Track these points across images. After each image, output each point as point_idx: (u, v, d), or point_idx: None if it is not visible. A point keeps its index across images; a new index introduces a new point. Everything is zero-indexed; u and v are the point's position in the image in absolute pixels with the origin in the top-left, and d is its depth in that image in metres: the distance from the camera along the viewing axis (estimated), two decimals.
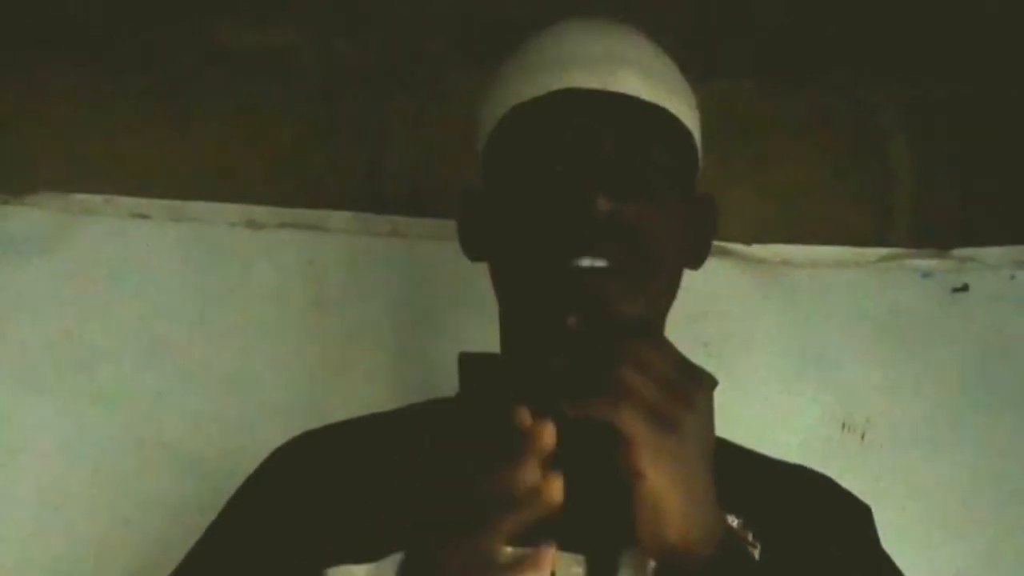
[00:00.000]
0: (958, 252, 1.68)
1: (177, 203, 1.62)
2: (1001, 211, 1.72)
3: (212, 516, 1.23)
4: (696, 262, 1.25)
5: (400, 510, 1.09)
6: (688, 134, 1.21)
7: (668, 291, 1.19)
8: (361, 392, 1.57)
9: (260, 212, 1.62)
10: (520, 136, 1.18)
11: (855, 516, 1.23)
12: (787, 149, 1.72)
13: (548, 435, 0.98)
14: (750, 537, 1.09)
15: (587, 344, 1.07)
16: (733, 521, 1.08)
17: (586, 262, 1.11)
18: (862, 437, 1.62)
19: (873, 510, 1.24)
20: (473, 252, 1.25)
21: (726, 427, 1.19)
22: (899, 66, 1.74)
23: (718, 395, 1.15)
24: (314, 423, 1.26)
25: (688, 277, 1.25)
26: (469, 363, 1.20)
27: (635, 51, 1.20)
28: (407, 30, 1.70)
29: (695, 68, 1.65)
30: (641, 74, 1.18)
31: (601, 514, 1.05)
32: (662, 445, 0.98)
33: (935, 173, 1.73)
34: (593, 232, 1.11)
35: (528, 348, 1.15)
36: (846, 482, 1.26)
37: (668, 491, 0.98)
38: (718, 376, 1.35)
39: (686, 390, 1.00)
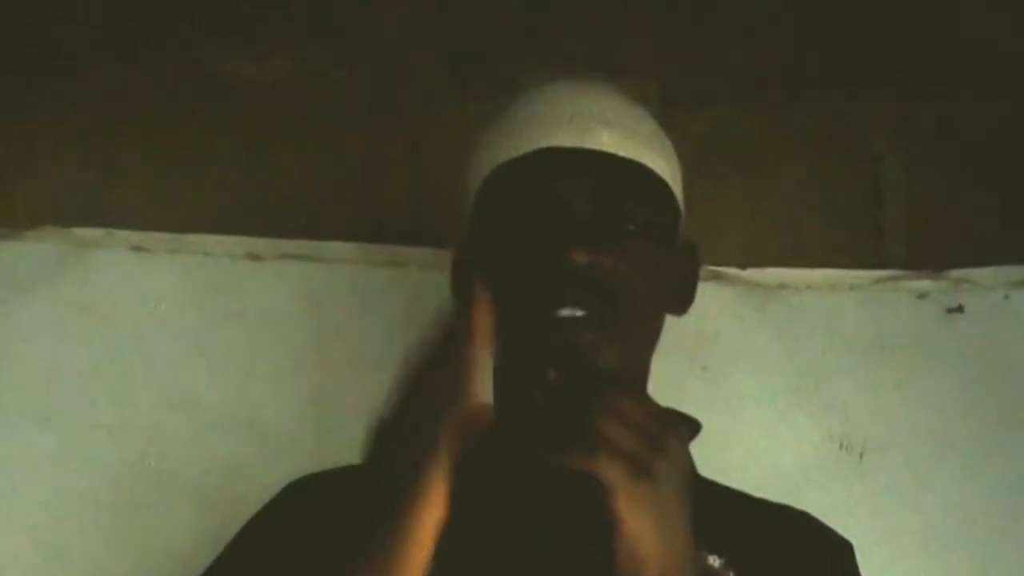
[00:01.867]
0: (953, 273, 1.69)
1: (177, 236, 1.63)
2: (995, 231, 1.72)
3: (211, 546, 1.24)
4: (679, 309, 1.29)
5: None
6: (665, 186, 1.25)
7: (647, 339, 1.24)
8: (361, 421, 1.54)
9: (260, 244, 1.63)
10: (504, 194, 1.23)
11: (835, 553, 1.25)
12: (780, 173, 1.73)
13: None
14: None
15: (566, 395, 1.10)
16: (715, 561, 1.13)
17: (564, 312, 1.15)
18: (860, 457, 1.62)
19: (868, 529, 1.29)
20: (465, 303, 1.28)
21: (724, 449, 1.20)
22: (889, 88, 1.75)
23: (716, 416, 1.18)
24: (314, 453, 1.27)
25: None
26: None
27: (612, 110, 1.25)
28: (402, 62, 1.71)
29: (687, 94, 1.67)
30: (617, 131, 1.23)
31: (582, 557, 1.09)
32: (639, 492, 1.01)
33: (928, 194, 1.74)
34: (570, 283, 1.16)
35: (510, 397, 1.17)
36: (843, 502, 1.27)
37: (645, 535, 1.02)
38: (716, 399, 1.36)
39: (661, 438, 1.03)
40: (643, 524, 1.02)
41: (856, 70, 1.75)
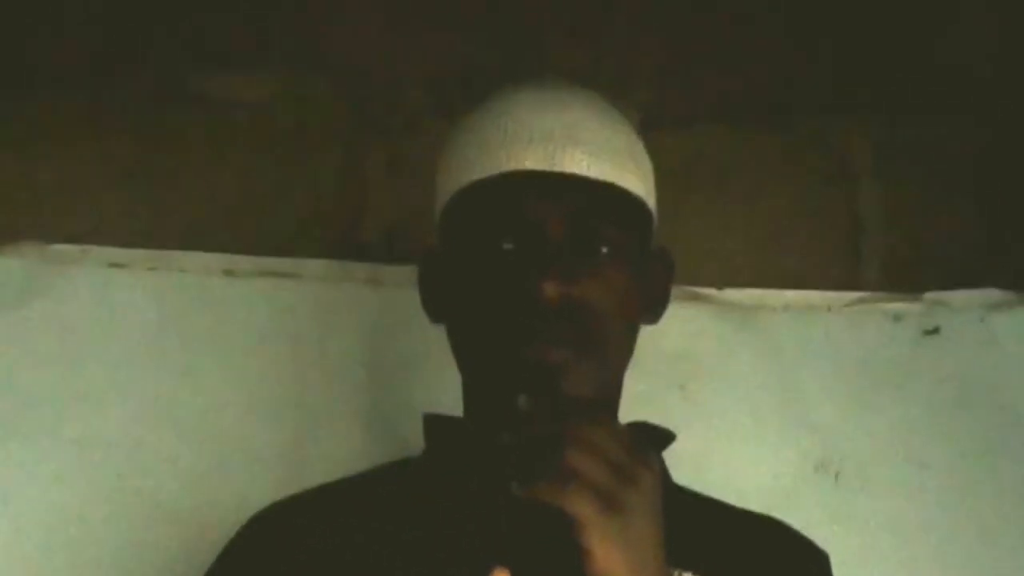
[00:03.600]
0: (929, 296, 1.69)
1: (154, 252, 1.62)
2: (972, 254, 1.73)
3: (187, 562, 1.23)
4: (653, 318, 1.27)
5: (369, 573, 1.13)
6: (639, 202, 1.23)
7: (621, 356, 1.22)
8: (338, 439, 1.57)
9: (237, 261, 1.62)
10: (473, 212, 1.20)
11: (812, 563, 1.26)
12: (758, 194, 1.73)
13: None
14: None
15: (537, 423, 1.09)
16: None
17: (534, 354, 1.14)
18: (836, 477, 1.62)
19: (845, 550, 1.27)
20: (432, 314, 1.28)
21: (701, 468, 1.20)
22: (868, 111, 1.75)
23: (694, 436, 1.17)
24: (291, 470, 1.27)
25: (664, 321, 1.28)
26: (433, 426, 1.25)
27: (585, 125, 1.21)
28: (383, 81, 1.71)
29: (665, 113, 1.67)
30: (589, 151, 1.19)
31: None
32: (609, 525, 1.01)
33: (905, 216, 1.74)
34: (542, 318, 1.14)
35: (481, 422, 1.19)
36: (819, 522, 1.27)
37: (616, 566, 1.02)
38: (693, 418, 1.36)
39: (632, 471, 1.03)
40: (614, 558, 1.01)
41: (836, 93, 1.75)
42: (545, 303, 1.13)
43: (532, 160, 1.18)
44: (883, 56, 1.75)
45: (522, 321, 1.14)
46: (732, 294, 1.67)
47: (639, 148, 1.26)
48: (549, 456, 1.02)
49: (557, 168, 1.18)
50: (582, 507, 1.00)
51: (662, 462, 1.22)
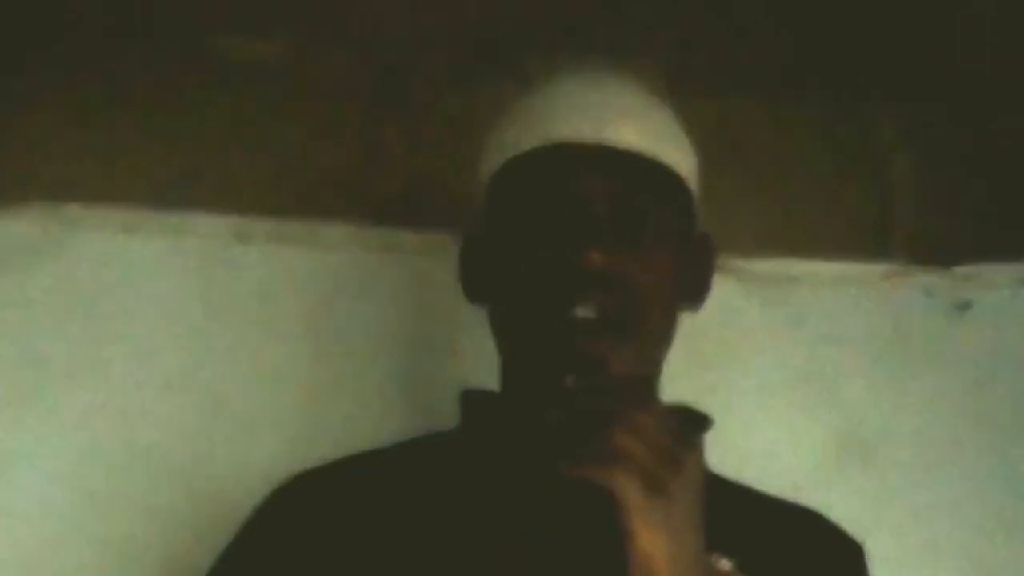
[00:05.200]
0: (960, 270, 1.68)
1: (167, 216, 1.61)
2: (1003, 229, 1.72)
3: (197, 532, 1.22)
4: (695, 304, 1.28)
5: (403, 549, 1.13)
6: (683, 184, 1.24)
7: (663, 339, 1.23)
8: (353, 407, 1.56)
9: (252, 225, 1.61)
10: (517, 188, 1.21)
11: (847, 555, 1.26)
12: (788, 166, 1.71)
13: None
14: None
15: (583, 403, 1.11)
16: (726, 564, 1.14)
17: (579, 312, 1.14)
18: (865, 455, 1.62)
19: (875, 528, 1.26)
20: (473, 296, 1.29)
21: (726, 446, 1.20)
22: (899, 83, 1.73)
23: (719, 413, 1.19)
24: (306, 439, 1.26)
25: None
26: (471, 401, 1.26)
27: (629, 102, 1.24)
28: (405, 47, 1.69)
29: (695, 85, 1.66)
30: (634, 125, 1.21)
31: (593, 570, 1.10)
32: (653, 507, 1.03)
33: (936, 190, 1.73)
34: (586, 284, 1.15)
35: (526, 401, 1.19)
36: (848, 500, 1.27)
37: (658, 550, 1.03)
38: (718, 394, 1.35)
39: (677, 455, 1.04)
40: (656, 540, 1.03)
41: (867, 65, 1.73)
42: (590, 269, 1.14)
43: (581, 131, 1.20)
44: (915, 32, 1.73)
45: (566, 286, 1.15)
46: (759, 265, 1.66)
47: (683, 131, 1.27)
48: (596, 436, 1.04)
49: (606, 140, 1.19)
50: (627, 488, 1.02)
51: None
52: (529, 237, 1.18)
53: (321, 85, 1.68)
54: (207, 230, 1.61)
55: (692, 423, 1.23)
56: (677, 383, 1.25)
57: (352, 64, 1.69)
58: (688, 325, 1.27)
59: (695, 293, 1.28)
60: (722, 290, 1.57)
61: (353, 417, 1.55)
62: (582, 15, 1.70)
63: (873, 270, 1.67)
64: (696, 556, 1.06)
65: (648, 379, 1.22)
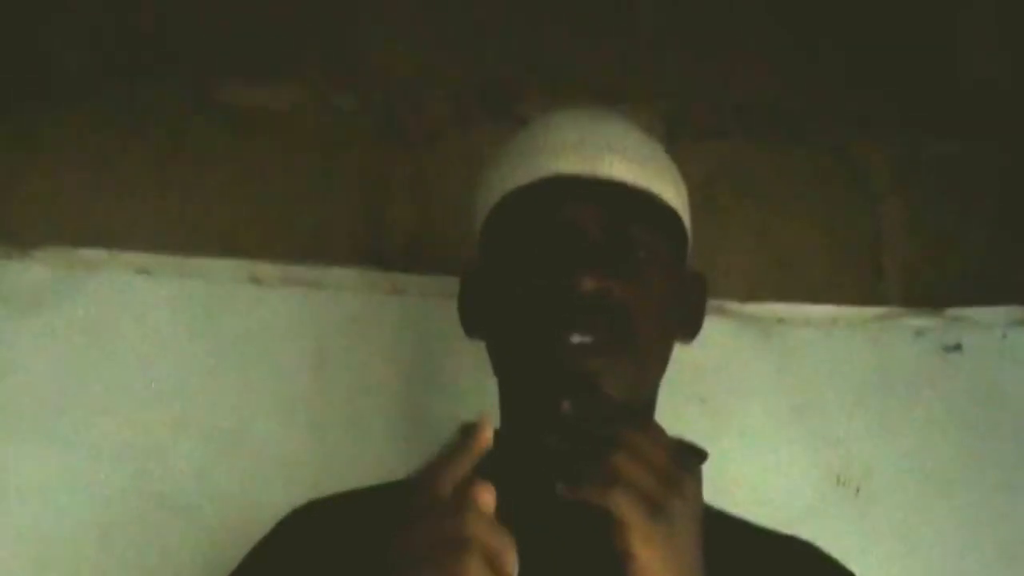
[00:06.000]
0: (951, 312, 1.69)
1: (180, 259, 1.62)
2: (994, 271, 1.73)
3: (210, 568, 1.23)
4: (687, 336, 1.29)
5: None
6: (674, 214, 1.25)
7: (656, 366, 1.23)
8: (361, 448, 1.57)
9: (262, 269, 1.63)
10: (513, 220, 1.22)
11: None
12: (780, 208, 1.73)
13: (487, 498, 0.99)
14: None
15: (581, 427, 1.10)
16: None
17: (575, 339, 1.15)
18: (856, 492, 1.62)
19: (865, 565, 1.26)
20: (471, 330, 1.30)
21: (721, 482, 1.20)
22: (890, 126, 1.76)
23: (714, 449, 1.17)
24: (313, 479, 1.27)
25: None
26: (470, 434, 1.21)
27: (621, 138, 1.25)
28: (408, 92, 1.72)
29: (690, 130, 1.67)
30: (626, 159, 1.22)
31: None
32: (653, 529, 1.02)
33: (927, 232, 1.75)
34: (580, 309, 1.15)
35: (524, 428, 1.19)
36: (839, 537, 1.27)
37: (658, 571, 1.03)
38: (714, 431, 1.36)
39: (676, 477, 1.04)
40: (656, 563, 1.02)
41: (860, 109, 1.76)
42: (583, 294, 1.15)
43: (571, 165, 1.21)
44: (905, 74, 1.76)
45: (560, 312, 1.15)
46: (754, 308, 1.68)
47: (674, 168, 1.28)
48: (595, 459, 1.03)
49: (597, 173, 1.21)
50: (627, 510, 1.02)
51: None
52: (524, 267, 1.19)
53: (325, 130, 1.70)
54: (218, 273, 1.62)
55: (689, 454, 1.21)
56: (672, 421, 1.21)
57: (355, 109, 1.71)
58: (684, 365, 1.27)
59: (688, 327, 1.28)
60: (717, 331, 1.61)
61: (359, 453, 1.56)
62: (582, 58, 1.73)
63: (864, 312, 1.68)
64: None
65: (644, 404, 1.22)
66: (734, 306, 1.67)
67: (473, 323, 1.29)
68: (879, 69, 1.76)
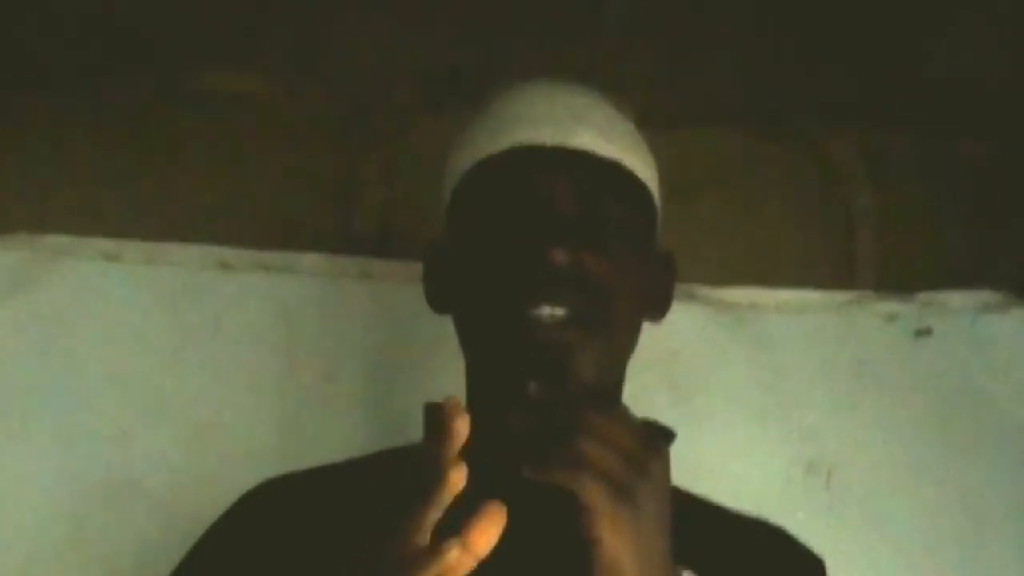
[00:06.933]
0: (921, 296, 1.70)
1: (149, 245, 1.62)
2: (963, 257, 1.74)
3: (178, 555, 1.23)
4: (656, 315, 1.28)
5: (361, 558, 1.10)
6: (645, 189, 1.24)
7: (626, 343, 1.22)
8: (332, 433, 1.57)
9: (232, 255, 1.62)
10: (482, 190, 1.21)
11: (808, 570, 1.26)
12: (753, 195, 1.73)
13: (459, 477, 0.98)
14: None
15: (548, 408, 1.10)
16: None
17: (545, 311, 1.14)
18: (827, 479, 1.63)
19: (836, 551, 1.27)
20: (438, 306, 1.28)
21: (692, 468, 1.21)
22: (861, 114, 1.76)
23: (685, 435, 1.17)
24: (285, 464, 1.26)
25: None
26: (434, 414, 1.21)
27: (592, 110, 1.24)
28: (377, 79, 1.72)
29: (661, 116, 1.68)
30: (598, 131, 1.21)
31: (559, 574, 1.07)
32: (619, 512, 1.01)
33: (897, 219, 1.75)
34: (550, 281, 1.14)
35: (490, 407, 1.17)
36: (811, 524, 1.27)
37: (624, 555, 1.02)
38: (685, 418, 1.36)
39: (643, 460, 1.03)
40: (622, 547, 1.01)
41: (828, 96, 1.76)
42: (554, 266, 1.14)
43: (541, 135, 1.20)
44: (877, 64, 1.76)
45: (530, 283, 1.14)
46: (725, 293, 1.67)
47: (644, 143, 1.27)
48: (561, 441, 1.02)
49: (566, 143, 1.20)
50: (593, 493, 1.01)
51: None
52: (493, 239, 1.18)
53: (296, 117, 1.70)
54: (186, 258, 1.62)
55: (656, 435, 1.21)
56: (643, 407, 1.20)
57: (326, 96, 1.71)
58: (655, 350, 1.28)
59: (657, 306, 1.28)
60: (688, 317, 1.61)
61: (329, 437, 1.56)
62: (551, 46, 1.72)
63: (836, 297, 1.69)
64: (663, 564, 1.04)
65: (611, 387, 1.21)
66: (705, 291, 1.67)
67: (440, 298, 1.28)
68: (849, 59, 1.76)
